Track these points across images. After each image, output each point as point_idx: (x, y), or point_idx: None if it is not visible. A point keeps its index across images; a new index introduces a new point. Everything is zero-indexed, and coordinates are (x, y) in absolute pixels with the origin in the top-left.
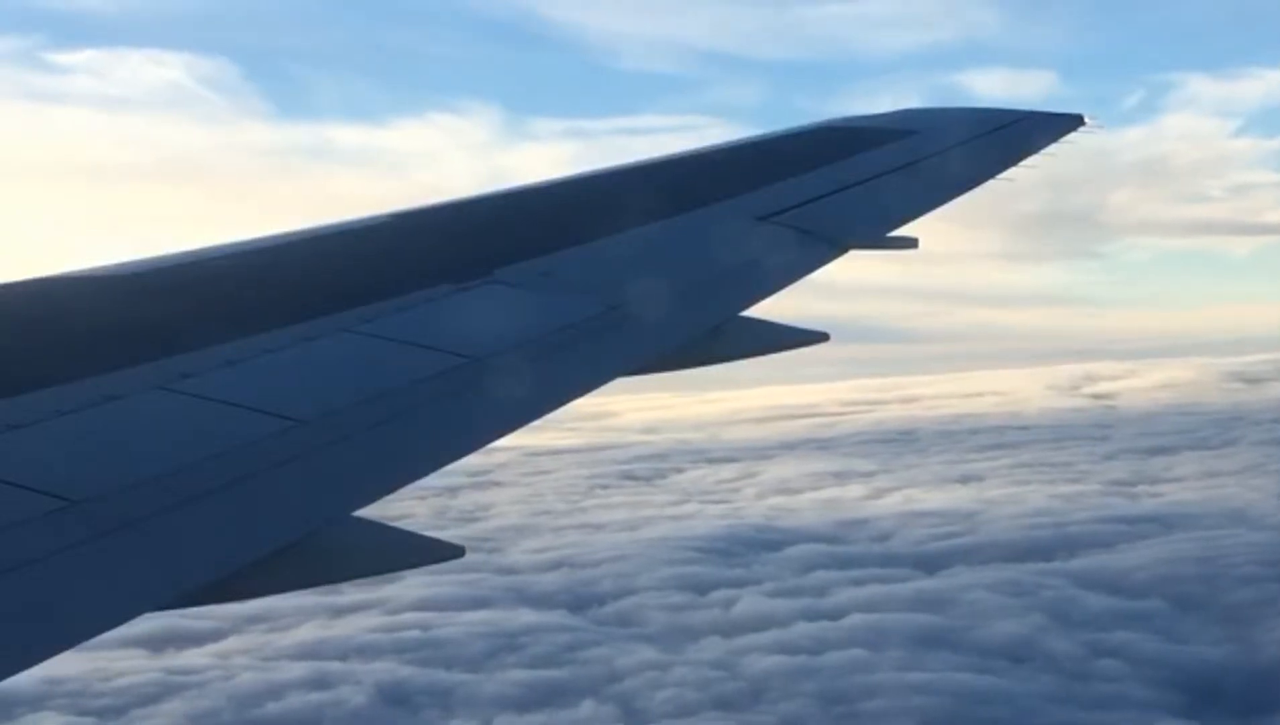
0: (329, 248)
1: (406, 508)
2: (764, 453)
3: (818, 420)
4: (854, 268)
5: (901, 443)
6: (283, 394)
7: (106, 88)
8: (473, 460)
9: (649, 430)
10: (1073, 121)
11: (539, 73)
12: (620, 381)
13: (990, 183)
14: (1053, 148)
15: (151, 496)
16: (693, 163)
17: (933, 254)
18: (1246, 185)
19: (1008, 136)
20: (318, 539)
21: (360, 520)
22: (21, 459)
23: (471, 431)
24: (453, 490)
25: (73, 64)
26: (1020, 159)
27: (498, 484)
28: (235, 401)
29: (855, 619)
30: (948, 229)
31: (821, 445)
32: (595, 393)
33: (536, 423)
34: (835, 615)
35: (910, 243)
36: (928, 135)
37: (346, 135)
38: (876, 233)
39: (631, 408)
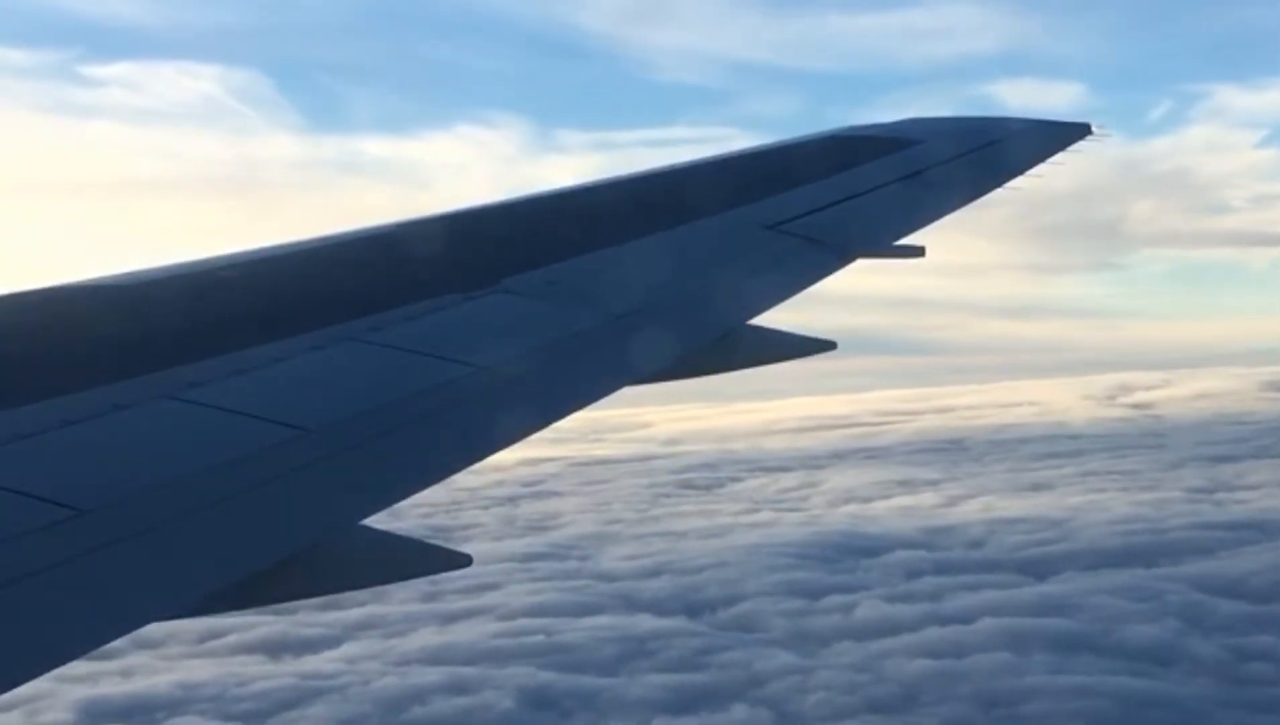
0: (337, 256)
1: (473, 517)
2: (816, 462)
3: (858, 430)
4: (872, 280)
5: (953, 452)
6: (290, 403)
7: (139, 101)
8: (523, 471)
9: (688, 441)
10: (1080, 131)
11: (571, 85)
12: (651, 394)
13: (1016, 194)
14: (1061, 156)
15: (159, 506)
16: (699, 172)
17: (953, 266)
18: (1267, 196)
19: (1014, 146)
20: (326, 547)
21: (368, 529)
22: (29, 468)
23: (479, 440)
24: (513, 500)
25: (107, 77)
26: (1027, 168)
27: (556, 494)
28: (243, 410)
29: (987, 623)
30: (970, 241)
31: (872, 454)
32: (628, 405)
33: (545, 432)
34: (963, 619)
35: (917, 251)
36: (934, 144)
37: (376, 148)
38: (883, 241)
39: (664, 419)
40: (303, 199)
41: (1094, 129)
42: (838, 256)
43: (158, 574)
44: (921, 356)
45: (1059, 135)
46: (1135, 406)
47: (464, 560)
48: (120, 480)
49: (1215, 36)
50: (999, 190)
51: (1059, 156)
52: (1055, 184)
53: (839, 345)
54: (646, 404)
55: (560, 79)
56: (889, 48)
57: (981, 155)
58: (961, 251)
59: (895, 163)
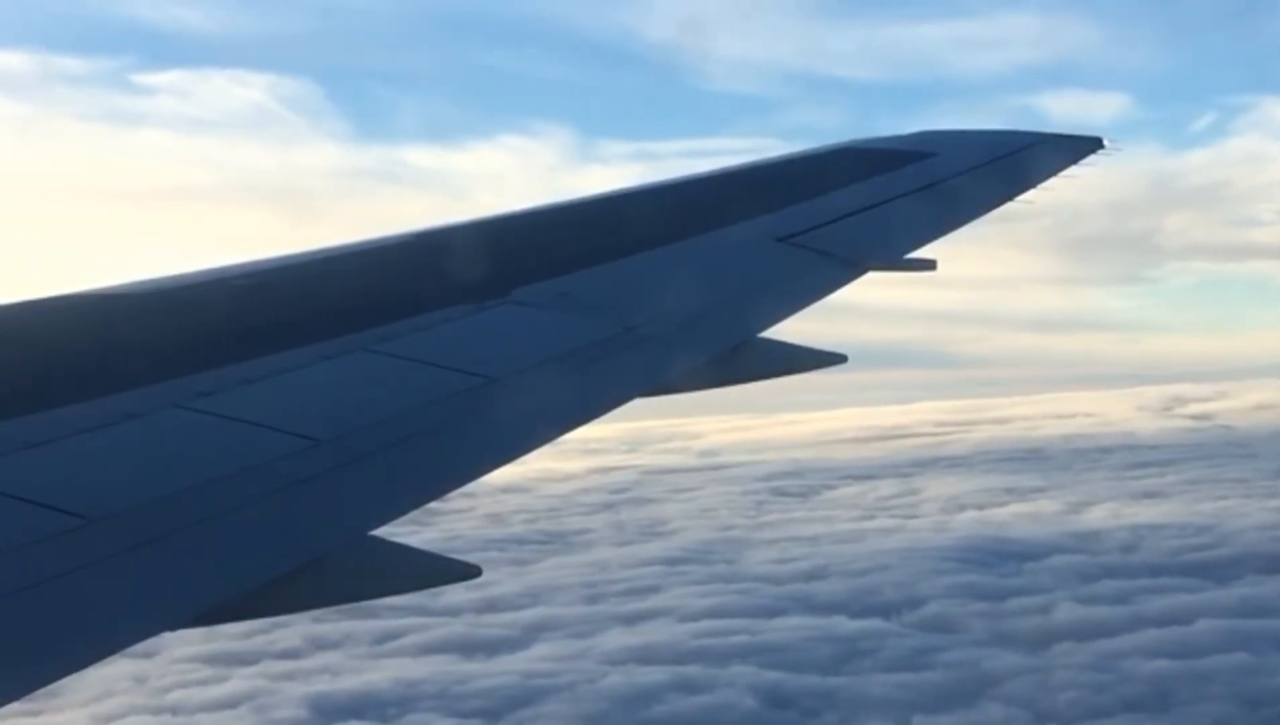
0: (348, 267)
1: (579, 523)
2: (899, 471)
3: (920, 440)
4: (900, 292)
5: (1035, 461)
6: (301, 413)
7: (189, 109)
8: (605, 478)
9: (748, 451)
10: (1091, 144)
11: (621, 93)
12: (681, 406)
13: (1049, 207)
14: (1074, 170)
15: (168, 515)
16: (711, 183)
17: (980, 278)
18: None
19: (1025, 159)
20: (336, 558)
21: (378, 539)
22: (39, 477)
23: (489, 451)
24: (610, 507)
25: (158, 85)
26: (1037, 182)
27: (650, 501)
28: (253, 420)
29: (1207, 624)
30: (999, 253)
31: (953, 464)
32: (668, 416)
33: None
34: (1177, 621)
35: (928, 264)
36: (945, 157)
37: (419, 157)
38: (895, 254)
39: (712, 430)
40: (342, 209)
41: (1105, 143)
42: (849, 269)
43: (166, 583)
44: (947, 370)
45: (1070, 149)
46: (1196, 417)
47: (474, 572)
48: (130, 489)
49: (1267, 47)
50: (1010, 203)
51: (1071, 170)
52: (1090, 197)
53: (862, 359)
54: (677, 415)
55: (611, 87)
56: (941, 57)
57: (992, 169)
58: (989, 264)
59: (906, 176)
